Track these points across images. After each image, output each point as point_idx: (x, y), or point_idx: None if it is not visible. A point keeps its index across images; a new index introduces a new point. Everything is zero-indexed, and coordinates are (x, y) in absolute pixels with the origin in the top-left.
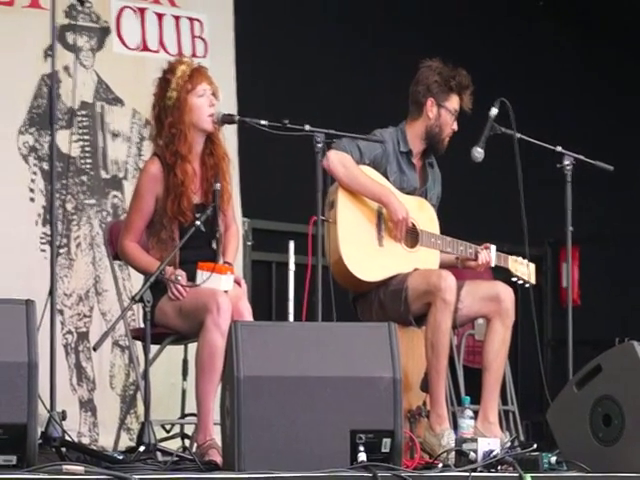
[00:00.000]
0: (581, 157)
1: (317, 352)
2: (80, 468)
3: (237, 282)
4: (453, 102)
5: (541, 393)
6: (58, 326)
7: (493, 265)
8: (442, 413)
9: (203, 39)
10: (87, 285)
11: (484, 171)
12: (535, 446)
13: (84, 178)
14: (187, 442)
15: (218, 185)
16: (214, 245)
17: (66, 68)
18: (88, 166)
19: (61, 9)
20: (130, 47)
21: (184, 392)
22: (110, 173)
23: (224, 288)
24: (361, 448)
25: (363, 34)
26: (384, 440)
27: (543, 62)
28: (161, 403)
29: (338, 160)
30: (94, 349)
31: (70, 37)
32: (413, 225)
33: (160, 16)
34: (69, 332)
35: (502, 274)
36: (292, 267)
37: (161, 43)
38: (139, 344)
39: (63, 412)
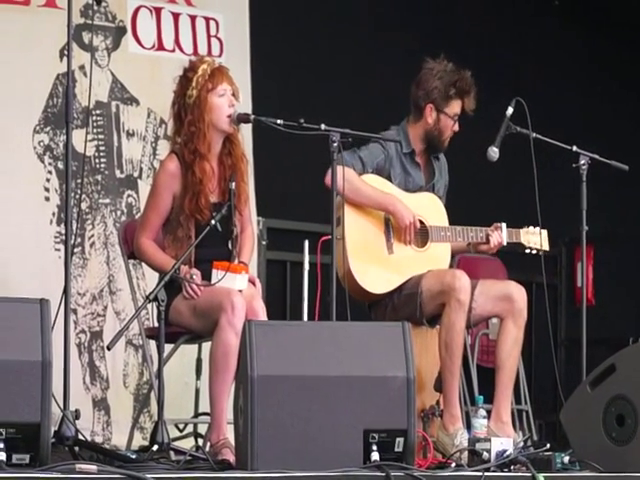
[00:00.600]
0: (597, 157)
1: (331, 351)
2: (93, 467)
3: (252, 281)
4: (453, 107)
5: (555, 393)
6: (71, 325)
7: (505, 244)
8: (455, 413)
9: (219, 38)
10: (101, 284)
11: (499, 170)
12: (548, 446)
13: (99, 177)
14: (200, 441)
15: (233, 184)
16: (230, 245)
17: (81, 67)
18: (103, 165)
19: (77, 8)
20: (146, 47)
21: (197, 391)
22: (125, 172)
23: (239, 287)
24: (374, 447)
25: (377, 33)
26: (397, 439)
27: (558, 61)
28: (174, 402)
29: (340, 175)
30: (108, 348)
31: (86, 36)
32: (422, 223)
33: (176, 15)
34: (82, 331)
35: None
36: (307, 266)
37: (177, 42)
38: (152, 343)
39: (76, 411)
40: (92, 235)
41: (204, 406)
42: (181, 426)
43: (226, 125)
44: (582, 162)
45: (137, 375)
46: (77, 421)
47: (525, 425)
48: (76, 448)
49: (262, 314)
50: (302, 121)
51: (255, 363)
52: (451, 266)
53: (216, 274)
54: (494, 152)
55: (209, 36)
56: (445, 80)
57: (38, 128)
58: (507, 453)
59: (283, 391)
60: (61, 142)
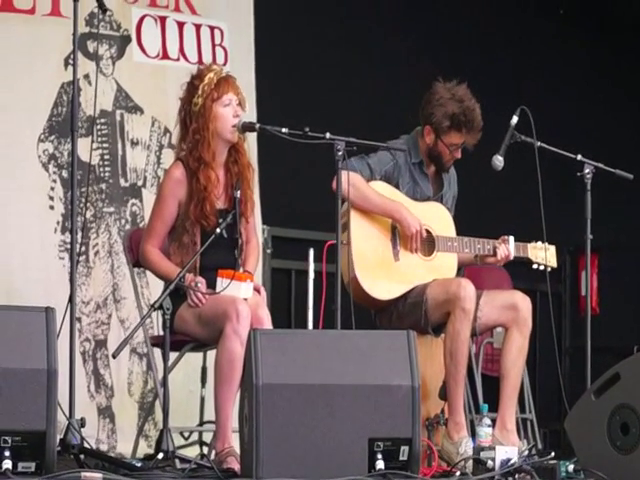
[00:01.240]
0: (601, 166)
1: (336, 360)
2: (99, 475)
3: (257, 290)
4: (452, 138)
5: (559, 401)
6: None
7: (512, 257)
8: (460, 421)
9: (223, 47)
10: (105, 293)
11: (504, 179)
12: (553, 454)
13: (103, 186)
14: (205, 449)
15: (238, 192)
16: (235, 253)
17: (86, 76)
18: (107, 174)
19: (82, 17)
20: (150, 55)
21: (203, 399)
22: (129, 181)
23: (244, 295)
24: (379, 456)
25: (383, 42)
26: (402, 448)
27: (562, 70)
28: (179, 410)
29: (347, 181)
30: (113, 356)
31: (90, 45)
32: (428, 232)
33: (181, 24)
34: (86, 340)
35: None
36: (312, 275)
37: (181, 51)
38: (157, 351)
39: (82, 419)
40: (96, 244)
41: (209, 414)
42: (186, 434)
43: (230, 135)
44: (586, 171)
45: (142, 383)
46: (82, 429)
47: (530, 433)
48: (81, 456)
49: (267, 322)
50: (307, 130)
51: (260, 371)
52: (457, 276)
53: (221, 282)
54: (499, 161)
55: (214, 45)
56: (443, 110)
57: (43, 137)
58: (512, 462)
59: (288, 399)
60: (65, 151)
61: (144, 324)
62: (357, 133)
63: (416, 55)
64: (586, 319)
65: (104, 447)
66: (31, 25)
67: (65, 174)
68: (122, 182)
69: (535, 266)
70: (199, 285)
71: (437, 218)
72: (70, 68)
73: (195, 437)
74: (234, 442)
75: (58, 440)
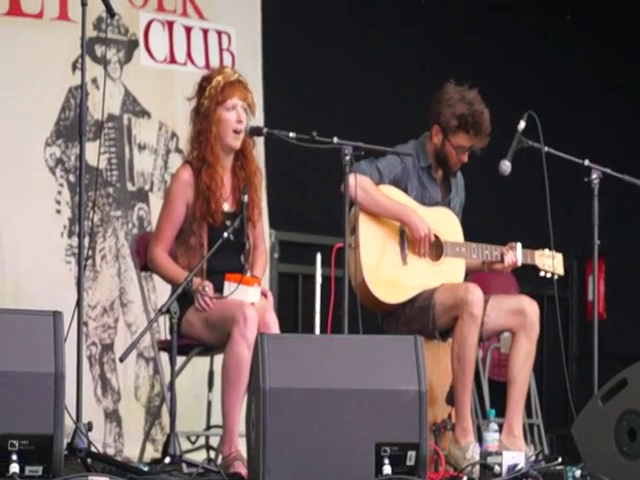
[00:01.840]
0: (609, 171)
1: (343, 364)
2: (105, 479)
3: (264, 294)
4: (459, 140)
5: (566, 407)
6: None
7: (519, 264)
8: (467, 426)
9: (231, 52)
10: (112, 297)
11: (511, 184)
12: (560, 460)
13: (110, 190)
14: (212, 454)
15: (246, 197)
16: (242, 257)
17: (94, 80)
18: (114, 178)
19: (90, 21)
20: (158, 60)
21: (209, 404)
22: (136, 185)
23: (251, 300)
24: (386, 461)
25: (390, 47)
26: (409, 453)
27: (570, 75)
28: (186, 415)
29: (356, 184)
30: (120, 360)
31: (98, 50)
32: (437, 237)
33: (188, 29)
34: (93, 344)
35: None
36: (319, 279)
37: (189, 56)
38: (164, 355)
39: (89, 423)
40: (103, 248)
41: (216, 418)
42: (193, 438)
43: (231, 140)
44: (594, 176)
45: (148, 387)
46: (89, 433)
47: (537, 439)
48: (88, 460)
49: (274, 327)
50: (314, 134)
51: (267, 376)
52: (464, 281)
53: (228, 286)
54: (506, 166)
55: (221, 49)
56: (452, 110)
57: (50, 141)
58: (519, 467)
59: (295, 404)
60: (73, 155)
61: (151, 328)
62: (364, 137)
63: (423, 60)
64: (593, 324)
65: (111, 451)
66: (39, 29)
67: (72, 178)
68: (129, 186)
69: (542, 273)
70: (206, 289)
71: (445, 223)
72: (78, 72)
73: (202, 441)
74: (241, 446)
75: (65, 444)
